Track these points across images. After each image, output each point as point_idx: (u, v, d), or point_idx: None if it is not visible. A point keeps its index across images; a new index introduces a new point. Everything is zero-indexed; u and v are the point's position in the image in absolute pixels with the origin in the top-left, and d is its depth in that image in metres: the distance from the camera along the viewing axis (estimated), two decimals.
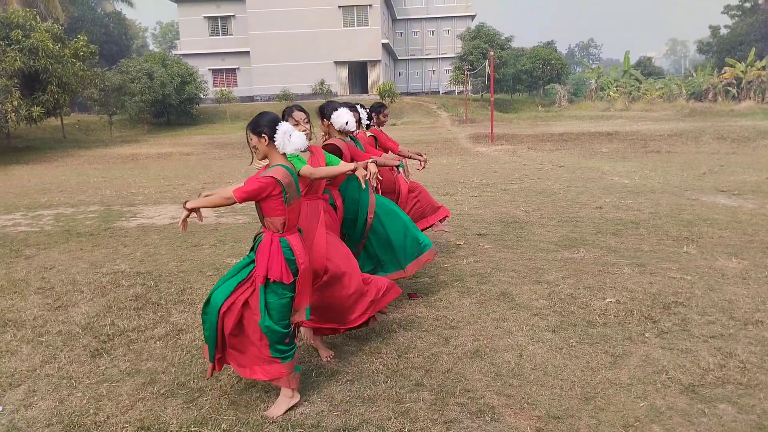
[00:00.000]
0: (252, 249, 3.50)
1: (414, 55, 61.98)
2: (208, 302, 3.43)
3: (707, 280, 5.61)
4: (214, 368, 3.51)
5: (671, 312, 4.83)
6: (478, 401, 3.51)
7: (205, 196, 3.33)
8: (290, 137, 3.32)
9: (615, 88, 50.23)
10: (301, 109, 4.04)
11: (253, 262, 3.42)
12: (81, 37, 26.63)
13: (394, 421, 3.31)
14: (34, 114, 23.88)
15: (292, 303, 3.41)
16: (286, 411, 3.42)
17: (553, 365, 3.94)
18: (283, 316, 3.37)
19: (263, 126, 3.31)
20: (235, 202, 3.22)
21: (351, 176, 4.39)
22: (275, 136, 3.30)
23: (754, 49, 47.04)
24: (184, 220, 3.31)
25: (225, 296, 3.37)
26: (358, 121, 5.02)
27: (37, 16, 25.33)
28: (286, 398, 3.46)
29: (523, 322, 4.71)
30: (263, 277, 3.31)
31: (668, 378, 3.72)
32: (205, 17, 50.89)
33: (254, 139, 3.34)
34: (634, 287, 5.44)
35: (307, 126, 3.99)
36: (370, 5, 47.69)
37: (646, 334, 4.40)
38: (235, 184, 3.30)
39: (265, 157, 3.42)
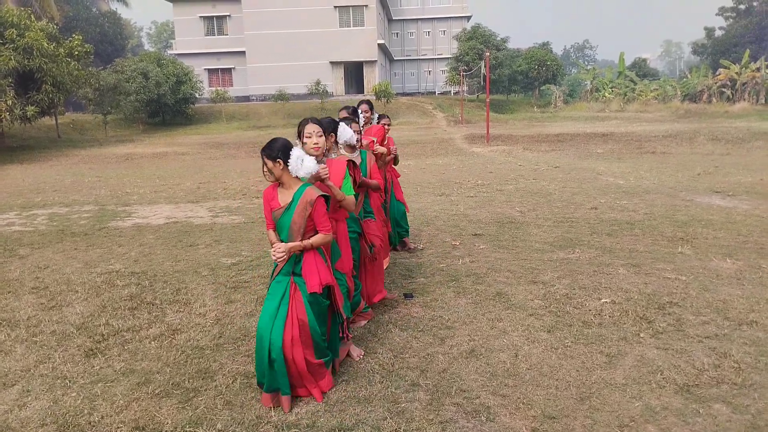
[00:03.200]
0: (280, 273, 3.62)
1: (410, 55, 62.02)
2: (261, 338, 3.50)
3: (702, 281, 5.63)
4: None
5: (666, 312, 4.85)
6: (474, 401, 3.51)
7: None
8: (302, 162, 3.52)
9: (610, 90, 50.40)
10: (316, 122, 3.91)
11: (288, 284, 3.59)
12: (76, 37, 26.53)
13: (390, 422, 3.31)
14: (28, 113, 23.79)
15: (327, 311, 3.70)
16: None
17: (548, 365, 3.95)
18: (323, 323, 3.67)
19: (277, 151, 3.48)
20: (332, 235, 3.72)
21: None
22: (289, 161, 3.50)
23: (748, 50, 47.31)
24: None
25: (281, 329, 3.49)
26: (358, 132, 4.88)
27: (32, 15, 25.24)
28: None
29: (518, 322, 4.72)
30: (321, 285, 3.54)
31: (663, 378, 3.73)
32: (200, 17, 50.77)
33: (270, 163, 3.51)
34: (629, 287, 5.45)
35: (320, 139, 3.84)
36: (366, 5, 47.68)
37: (641, 335, 4.41)
38: (321, 230, 3.59)
39: (278, 180, 3.58)
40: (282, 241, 3.56)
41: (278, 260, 3.47)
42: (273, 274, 3.66)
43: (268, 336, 3.45)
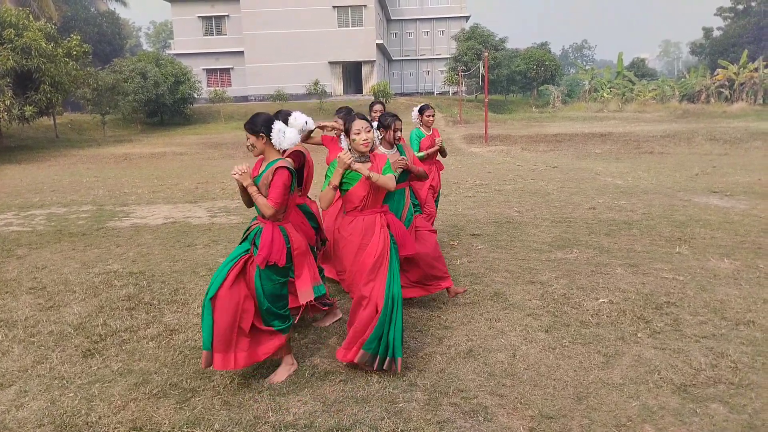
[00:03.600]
0: (245, 239, 3.76)
1: (408, 55, 62.04)
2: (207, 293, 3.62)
3: (699, 281, 5.64)
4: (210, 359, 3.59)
5: (663, 312, 4.85)
6: (471, 401, 3.52)
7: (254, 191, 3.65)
8: (284, 134, 3.69)
9: (608, 90, 50.44)
10: (363, 117, 3.92)
11: (246, 251, 3.69)
12: (74, 37, 26.47)
13: (387, 421, 3.31)
14: (26, 113, 23.74)
15: (283, 288, 3.74)
16: (286, 378, 3.83)
17: (546, 365, 3.95)
18: (277, 299, 3.71)
19: (260, 125, 3.66)
20: (275, 210, 3.60)
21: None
22: (271, 134, 3.66)
23: (746, 51, 47.37)
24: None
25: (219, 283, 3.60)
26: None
27: (30, 15, 25.17)
28: (287, 366, 3.91)
29: (516, 322, 4.72)
30: (265, 260, 3.58)
31: (660, 378, 3.73)
32: (199, 17, 50.74)
33: (253, 138, 3.69)
34: (626, 287, 5.46)
35: (369, 134, 3.84)
36: (365, 5, 47.67)
37: (639, 334, 4.41)
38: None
39: (261, 153, 3.76)
40: (257, 210, 3.75)
41: (233, 174, 3.61)
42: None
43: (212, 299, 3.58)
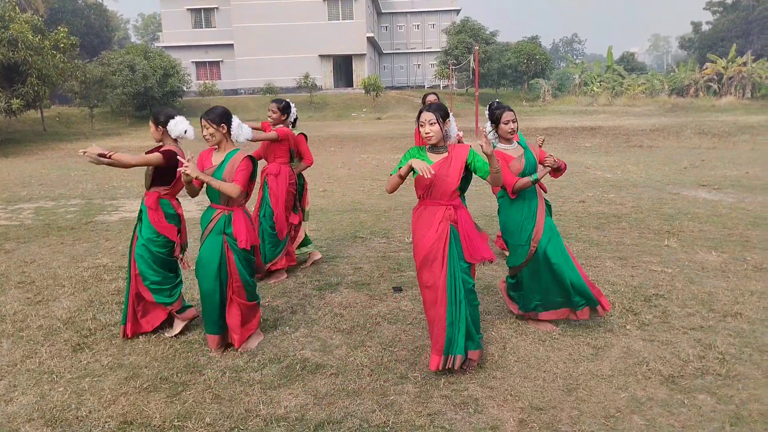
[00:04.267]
0: (212, 231, 4.10)
1: (399, 49, 61.92)
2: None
3: (687, 273, 5.69)
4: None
5: (652, 304, 4.89)
6: (462, 393, 3.53)
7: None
8: (242, 128, 4.09)
9: (598, 84, 50.61)
10: (433, 109, 3.73)
11: (220, 243, 4.07)
12: (61, 29, 26.20)
13: (379, 414, 3.32)
14: (13, 106, 23.50)
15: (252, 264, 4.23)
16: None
17: (536, 357, 3.98)
18: (251, 275, 4.21)
19: (221, 117, 4.01)
20: (243, 192, 3.95)
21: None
22: (232, 127, 4.05)
23: (735, 45, 47.64)
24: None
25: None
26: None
27: (17, 8, 24.89)
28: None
29: (506, 314, 4.74)
30: (249, 243, 4.06)
31: (649, 369, 3.77)
32: (187, 9, 50.36)
33: (212, 128, 4.01)
34: (615, 280, 5.50)
35: (432, 128, 3.67)
36: None
37: (628, 326, 4.45)
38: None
39: (217, 144, 4.09)
40: (212, 200, 4.14)
41: (183, 172, 3.85)
42: (204, 234, 4.13)
43: (216, 292, 4.06)
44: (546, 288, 4.36)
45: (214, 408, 3.42)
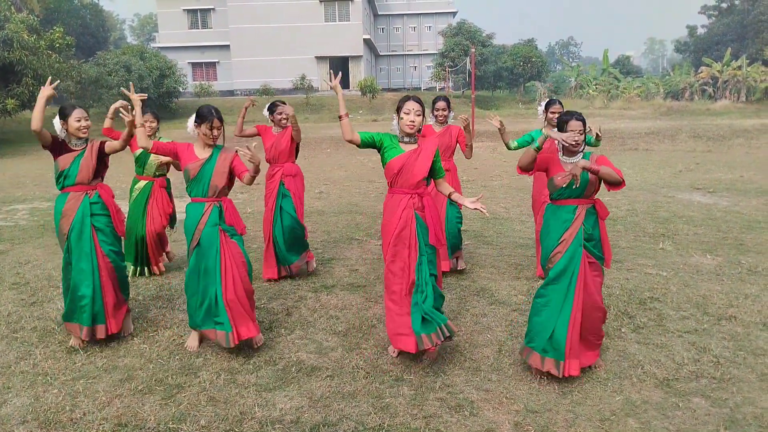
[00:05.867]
0: (207, 224, 4.05)
1: (395, 50, 61.89)
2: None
3: (682, 276, 5.71)
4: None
5: (647, 307, 4.91)
6: (458, 396, 3.53)
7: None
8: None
9: (594, 87, 50.68)
10: (418, 101, 3.88)
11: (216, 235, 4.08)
12: (57, 29, 26.11)
13: (374, 417, 3.32)
14: (8, 106, 23.40)
15: None
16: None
17: None
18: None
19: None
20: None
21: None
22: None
23: (730, 48, 47.78)
24: None
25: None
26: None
27: (12, 7, 24.83)
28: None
29: (502, 317, 4.75)
30: (245, 229, 4.24)
31: (643, 372, 3.78)
32: (184, 10, 50.20)
33: (222, 128, 4.16)
34: (611, 283, 5.51)
35: (417, 118, 3.83)
36: (352, 0, 47.50)
37: (623, 329, 4.46)
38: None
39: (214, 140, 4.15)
40: (198, 194, 4.10)
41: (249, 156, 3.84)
42: (197, 227, 4.07)
43: (214, 286, 4.05)
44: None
45: (209, 410, 3.41)
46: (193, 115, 4.19)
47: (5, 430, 3.25)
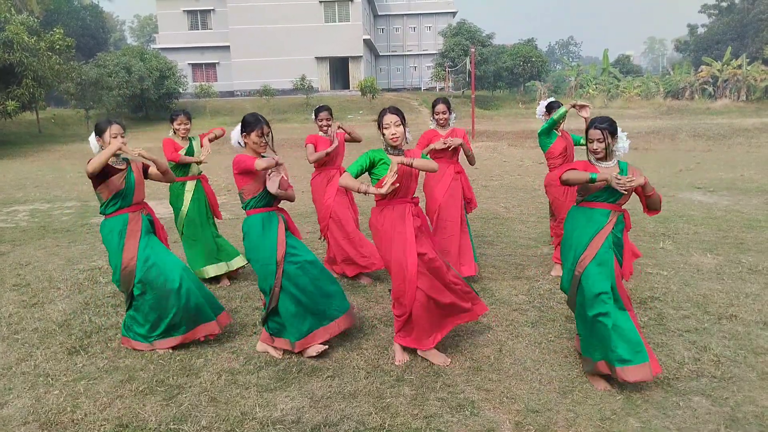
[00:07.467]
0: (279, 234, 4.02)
1: (395, 51, 61.89)
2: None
3: (683, 276, 5.71)
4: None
5: (647, 307, 4.91)
6: (458, 396, 3.54)
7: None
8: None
9: (594, 86, 50.68)
10: (395, 111, 3.88)
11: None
12: (57, 30, 26.12)
13: (375, 417, 3.32)
14: (8, 108, 23.44)
15: None
16: None
17: (531, 360, 3.99)
18: None
19: None
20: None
21: None
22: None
23: (730, 47, 47.76)
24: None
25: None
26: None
27: (12, 9, 24.85)
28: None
29: (502, 317, 4.75)
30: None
31: None
32: (184, 11, 50.24)
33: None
34: None
35: (398, 129, 3.83)
36: (352, 1, 47.50)
37: None
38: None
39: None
40: (269, 204, 4.07)
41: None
42: (279, 235, 4.02)
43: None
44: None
45: (210, 411, 3.41)
46: (237, 127, 4.09)
47: (7, 431, 3.25)
